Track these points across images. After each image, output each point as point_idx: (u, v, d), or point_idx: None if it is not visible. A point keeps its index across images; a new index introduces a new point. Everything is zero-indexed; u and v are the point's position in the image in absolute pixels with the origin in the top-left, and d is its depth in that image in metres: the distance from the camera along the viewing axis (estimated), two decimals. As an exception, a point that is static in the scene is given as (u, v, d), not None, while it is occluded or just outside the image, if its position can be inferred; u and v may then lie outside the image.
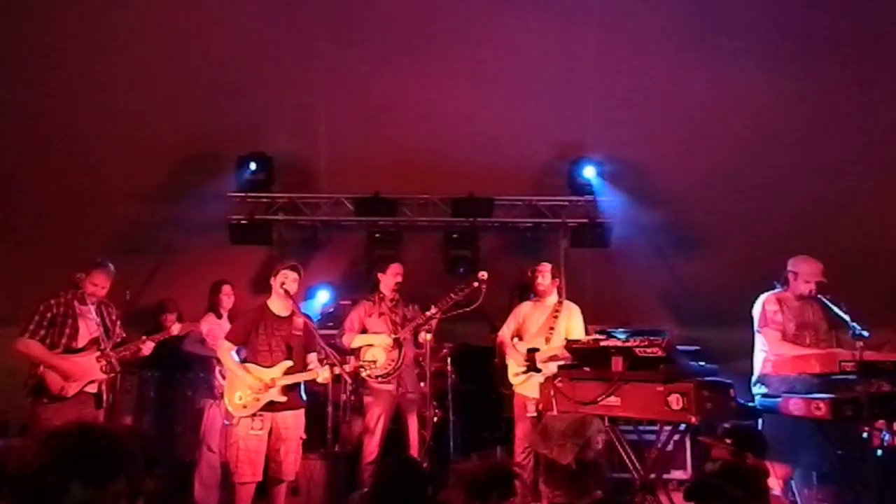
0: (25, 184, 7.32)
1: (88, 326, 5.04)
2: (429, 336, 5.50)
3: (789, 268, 4.83)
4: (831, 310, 4.48)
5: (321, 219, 8.04)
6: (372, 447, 5.54)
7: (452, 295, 5.45)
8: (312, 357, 5.13)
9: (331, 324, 7.08)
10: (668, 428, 4.28)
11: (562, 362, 5.00)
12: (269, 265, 5.35)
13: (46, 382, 4.86)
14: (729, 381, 4.08)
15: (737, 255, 7.61)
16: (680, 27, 6.87)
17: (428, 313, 5.51)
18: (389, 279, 5.84)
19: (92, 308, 5.00)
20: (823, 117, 7.03)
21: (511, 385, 5.76)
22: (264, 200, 7.79)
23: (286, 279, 5.01)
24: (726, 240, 7.73)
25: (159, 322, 6.32)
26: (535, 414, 5.47)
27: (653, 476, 4.33)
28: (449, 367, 6.64)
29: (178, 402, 6.50)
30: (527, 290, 6.53)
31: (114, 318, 5.29)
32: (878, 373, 3.90)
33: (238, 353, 5.12)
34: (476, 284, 5.45)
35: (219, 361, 5.55)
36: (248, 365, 4.96)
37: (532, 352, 5.60)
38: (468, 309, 5.49)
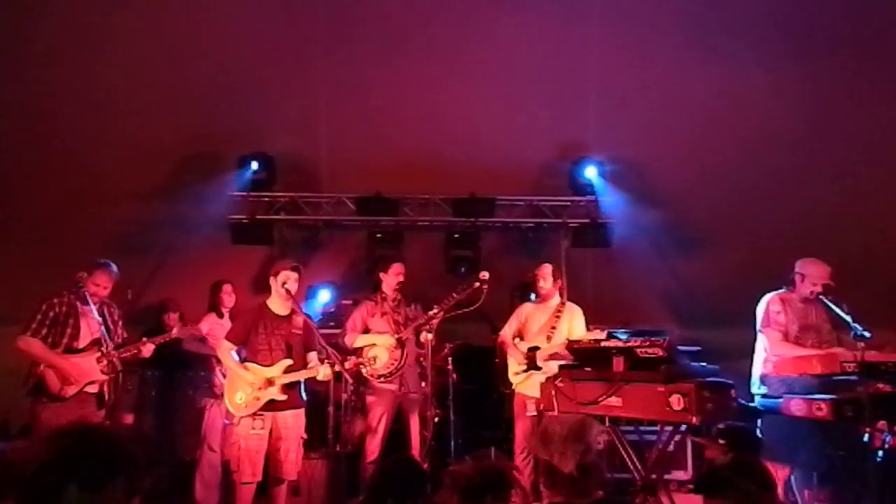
0: (26, 184, 7.32)
1: (90, 326, 5.04)
2: (430, 336, 5.50)
3: (797, 269, 4.80)
4: (833, 311, 4.47)
5: (322, 218, 8.04)
6: (374, 447, 5.54)
7: (454, 295, 5.45)
8: (313, 356, 5.13)
9: (332, 323, 7.08)
10: (668, 428, 4.28)
11: (562, 362, 5.00)
12: (271, 265, 5.34)
13: (46, 382, 4.86)
14: (730, 381, 4.07)
15: (738, 255, 7.61)
16: (681, 27, 6.87)
17: (430, 313, 5.52)
18: (391, 279, 5.84)
19: (94, 308, 4.99)
20: (824, 117, 7.03)
21: (511, 384, 5.77)
22: (265, 200, 7.80)
23: (288, 279, 5.01)
24: (727, 240, 7.73)
25: (161, 322, 6.33)
26: (534, 413, 5.47)
27: (654, 476, 4.33)
28: (450, 367, 6.65)
29: (179, 402, 6.49)
30: (528, 290, 6.53)
31: (115, 318, 5.28)
32: (879, 373, 3.89)
33: (238, 353, 5.12)
34: (477, 284, 5.45)
35: (219, 361, 5.55)
36: (247, 364, 4.96)
37: (533, 350, 5.61)
38: (469, 309, 5.49)
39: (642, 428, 4.95)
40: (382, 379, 5.60)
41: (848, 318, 4.22)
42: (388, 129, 7.45)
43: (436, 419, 5.78)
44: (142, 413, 6.56)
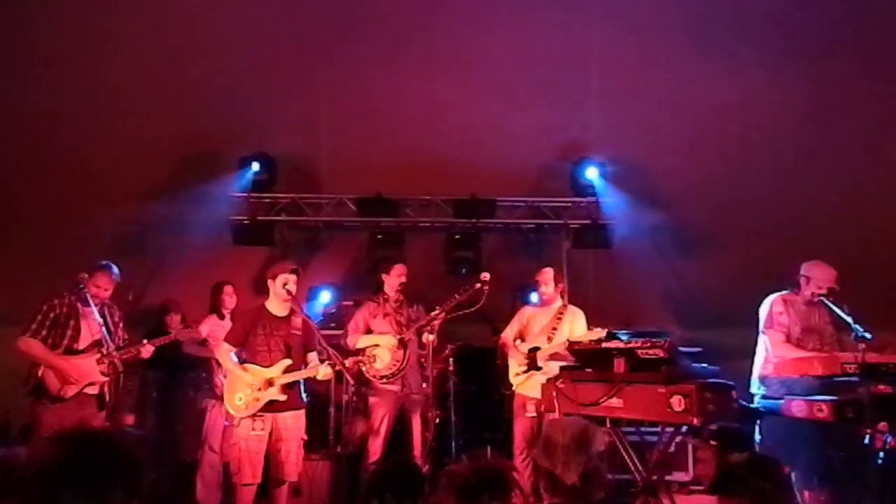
0: (26, 184, 7.31)
1: (91, 328, 5.03)
2: (431, 337, 5.50)
3: (802, 272, 4.79)
4: (834, 311, 4.47)
5: (323, 219, 8.04)
6: (376, 448, 5.54)
7: (456, 296, 5.45)
8: (312, 356, 5.14)
9: (333, 324, 7.08)
10: (669, 429, 4.27)
11: (563, 362, 4.99)
12: (271, 266, 5.34)
13: (46, 383, 4.86)
14: (731, 382, 4.07)
15: (739, 256, 7.61)
16: (682, 27, 6.86)
17: (431, 314, 5.52)
18: (393, 280, 5.83)
19: (95, 309, 4.99)
20: (825, 118, 7.02)
21: (512, 386, 5.77)
22: (267, 201, 7.80)
23: (289, 281, 5.01)
24: (728, 241, 7.73)
25: (163, 323, 6.34)
26: (534, 414, 5.48)
27: (655, 477, 4.33)
28: (451, 368, 6.65)
29: (180, 403, 6.50)
30: (529, 291, 6.53)
31: (116, 319, 5.28)
32: (880, 375, 3.89)
33: (237, 355, 5.11)
34: (478, 286, 5.44)
35: (220, 364, 5.55)
36: (247, 365, 4.96)
37: (533, 351, 5.61)
38: (470, 310, 5.48)
39: (643, 429, 4.96)
40: (385, 380, 5.60)
41: (849, 319, 4.22)
42: (388, 129, 7.45)
43: (436, 420, 5.78)
44: (143, 414, 6.57)
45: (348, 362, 5.06)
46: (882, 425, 3.85)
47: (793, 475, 4.48)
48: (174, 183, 7.42)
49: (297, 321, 5.11)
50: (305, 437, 5.09)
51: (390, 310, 5.81)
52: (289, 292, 4.99)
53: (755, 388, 4.78)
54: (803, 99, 6.97)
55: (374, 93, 7.31)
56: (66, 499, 1.55)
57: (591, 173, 7.57)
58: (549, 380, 4.80)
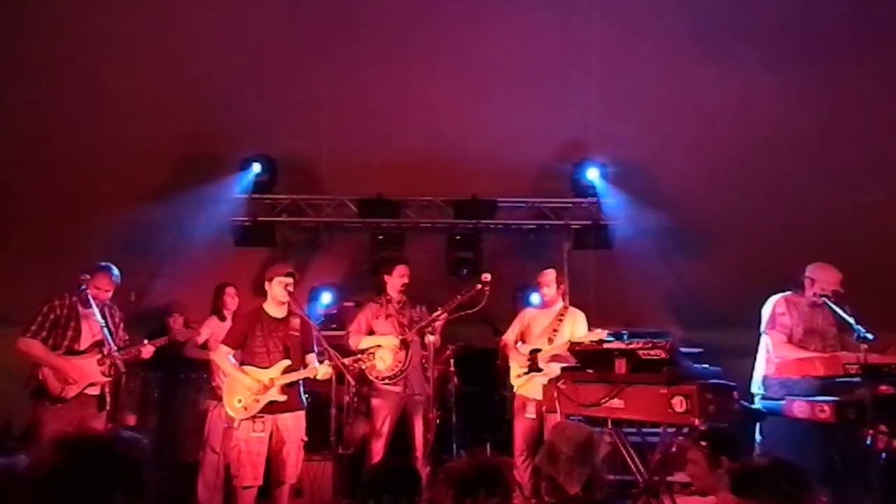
0: (26, 184, 7.31)
1: (91, 329, 5.02)
2: (434, 338, 5.50)
3: (806, 273, 4.79)
4: (836, 312, 4.46)
5: (324, 220, 8.03)
6: (378, 449, 5.54)
7: (458, 297, 5.45)
8: (312, 357, 5.14)
9: (333, 325, 7.08)
10: (671, 430, 4.27)
11: (564, 364, 4.99)
12: (270, 268, 5.34)
13: (46, 384, 4.86)
14: (732, 383, 4.07)
15: (740, 256, 7.60)
16: (683, 27, 6.86)
17: (433, 315, 5.51)
18: (396, 281, 5.83)
19: (96, 310, 4.98)
20: (828, 119, 7.02)
21: (513, 388, 5.77)
22: (268, 202, 7.80)
23: (285, 284, 5.02)
24: (730, 241, 7.72)
25: (165, 324, 6.34)
26: (534, 416, 5.48)
27: (656, 478, 4.32)
28: (452, 369, 6.64)
29: (181, 404, 6.51)
30: (529, 292, 6.52)
31: (117, 320, 5.27)
32: (882, 376, 3.89)
33: (235, 357, 5.10)
34: (479, 286, 5.43)
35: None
36: (245, 367, 4.95)
37: (534, 352, 5.60)
38: (471, 311, 5.48)
39: (644, 430, 4.95)
40: (387, 381, 5.60)
41: (851, 320, 4.22)
42: (389, 130, 7.44)
43: (437, 421, 5.78)
44: (144, 414, 6.58)
45: (347, 362, 5.07)
46: (884, 426, 3.85)
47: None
48: (175, 184, 7.41)
49: (296, 322, 5.11)
50: (305, 438, 5.08)
51: (393, 311, 5.81)
52: (288, 294, 4.99)
53: (756, 388, 4.78)
54: (804, 99, 6.96)
55: (374, 93, 7.30)
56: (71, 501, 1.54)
57: (592, 174, 7.56)
58: (550, 380, 4.80)
